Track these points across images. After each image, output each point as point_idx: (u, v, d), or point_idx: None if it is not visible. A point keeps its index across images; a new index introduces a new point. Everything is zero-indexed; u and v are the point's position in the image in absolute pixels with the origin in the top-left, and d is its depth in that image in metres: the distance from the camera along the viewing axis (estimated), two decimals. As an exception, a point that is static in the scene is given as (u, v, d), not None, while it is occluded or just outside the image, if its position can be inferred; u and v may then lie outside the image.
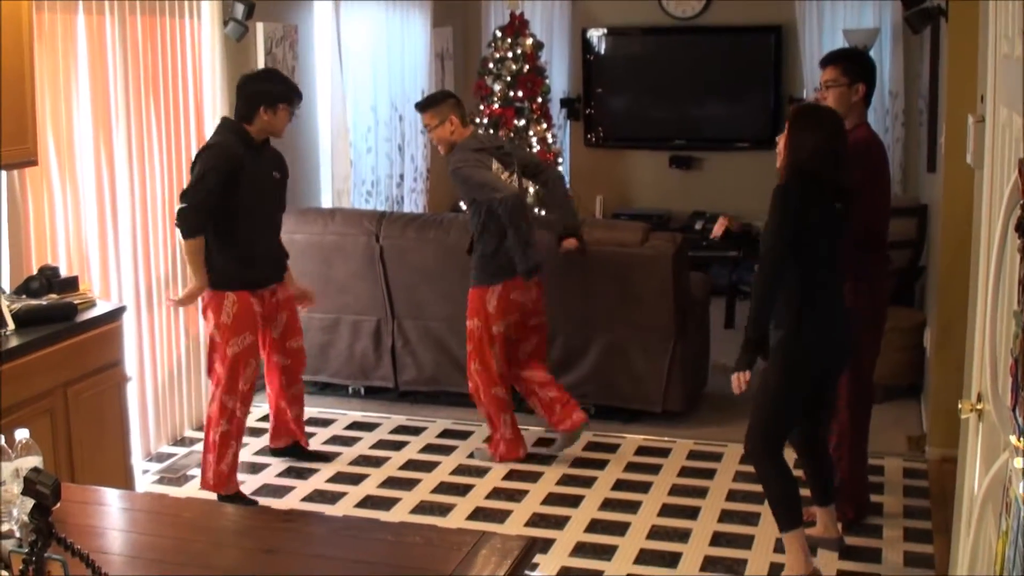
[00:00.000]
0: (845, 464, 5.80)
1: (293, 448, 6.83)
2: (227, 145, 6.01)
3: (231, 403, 6.13)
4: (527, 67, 10.20)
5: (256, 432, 7.26)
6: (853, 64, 5.75)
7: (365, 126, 9.66)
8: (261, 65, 7.91)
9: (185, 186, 6.03)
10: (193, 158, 6.15)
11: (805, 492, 5.35)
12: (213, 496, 6.15)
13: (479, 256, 6.60)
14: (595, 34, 11.57)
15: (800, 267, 4.91)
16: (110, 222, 6.47)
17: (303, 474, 6.63)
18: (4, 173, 5.55)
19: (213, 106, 7.27)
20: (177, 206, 6.06)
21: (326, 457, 6.88)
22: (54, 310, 5.29)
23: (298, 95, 6.25)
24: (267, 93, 6.09)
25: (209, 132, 7.20)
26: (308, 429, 7.24)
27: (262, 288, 6.21)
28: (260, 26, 7.88)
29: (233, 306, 6.04)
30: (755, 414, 5.14)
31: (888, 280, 5.94)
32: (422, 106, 6.83)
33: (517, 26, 10.30)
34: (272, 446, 6.80)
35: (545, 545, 5.63)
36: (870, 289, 5.63)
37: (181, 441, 7.15)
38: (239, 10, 7.30)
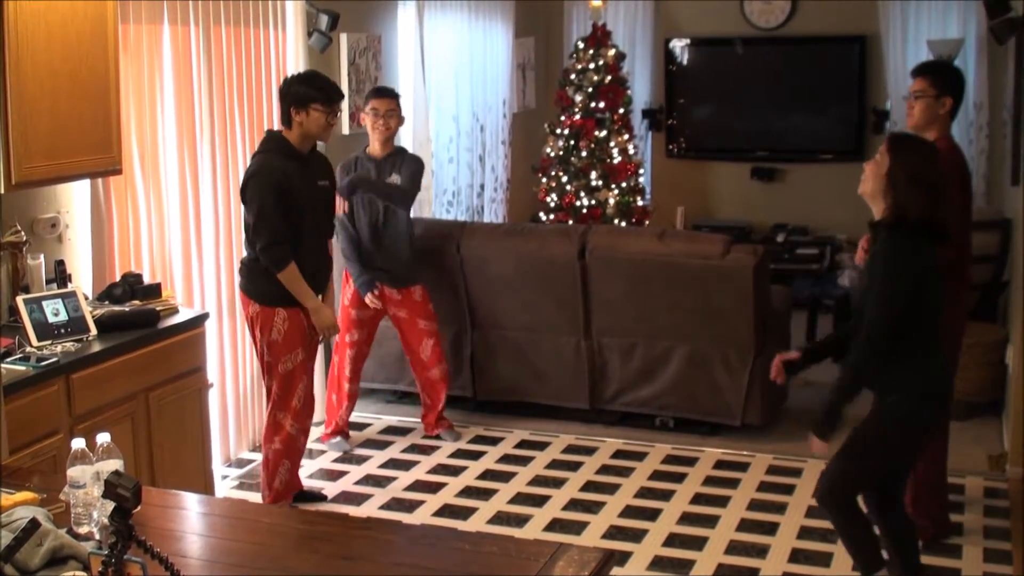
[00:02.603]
0: (920, 478, 5.73)
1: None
2: (269, 169, 5.79)
3: (283, 419, 6.01)
4: (609, 77, 10.19)
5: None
6: (942, 77, 5.68)
7: (447, 136, 9.69)
8: (344, 75, 7.96)
9: (250, 221, 5.83)
10: (242, 183, 5.92)
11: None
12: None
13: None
14: (678, 44, 11.53)
15: (916, 325, 4.54)
16: (193, 230, 6.53)
17: (381, 482, 6.65)
18: (89, 181, 5.63)
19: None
20: (258, 245, 5.82)
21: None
22: (136, 316, 5.35)
23: (329, 95, 5.88)
24: (295, 94, 5.83)
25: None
26: (387, 438, 7.31)
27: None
28: (344, 37, 7.93)
29: (284, 323, 5.87)
30: (843, 465, 4.74)
31: (968, 296, 5.82)
32: (394, 92, 7.13)
33: (599, 37, 10.29)
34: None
35: (622, 558, 5.60)
36: (950, 306, 5.54)
37: (260, 447, 7.19)
38: (323, 21, 7.35)
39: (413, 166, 7.06)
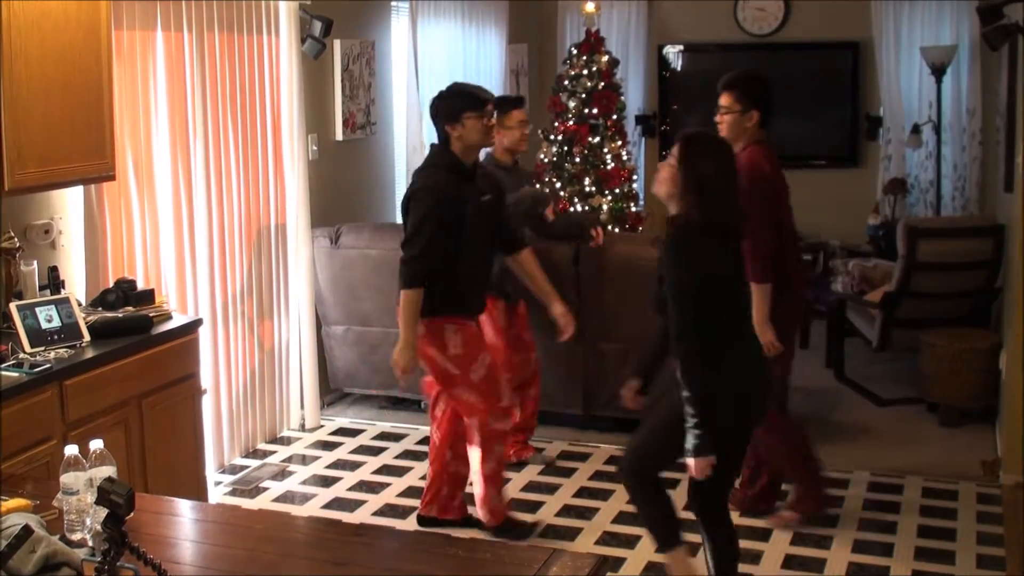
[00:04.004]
0: (799, 471, 6.05)
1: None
2: (437, 186, 5.54)
3: (500, 424, 5.75)
4: (602, 84, 10.17)
5: (329, 445, 7.31)
6: (748, 91, 5.81)
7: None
8: (338, 81, 7.98)
9: (405, 234, 5.56)
10: (405, 197, 5.63)
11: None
12: (283, 509, 6.19)
13: None
14: (671, 51, 11.55)
15: (711, 316, 4.53)
16: (187, 236, 6.52)
17: (375, 488, 6.64)
18: (82, 188, 5.63)
19: (290, 122, 7.31)
20: (402, 255, 5.55)
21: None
22: (130, 322, 5.35)
23: (477, 100, 5.64)
24: (445, 111, 5.62)
25: (286, 148, 7.28)
26: (382, 444, 7.31)
27: (476, 317, 5.82)
28: (337, 43, 7.93)
29: (456, 334, 5.61)
30: (648, 439, 4.82)
31: (799, 308, 5.84)
32: (522, 101, 6.91)
33: (593, 43, 10.28)
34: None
35: (615, 564, 5.60)
36: (781, 317, 5.61)
37: (254, 453, 7.20)
38: (317, 27, 7.35)
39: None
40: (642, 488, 4.89)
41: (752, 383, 4.69)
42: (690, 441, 4.47)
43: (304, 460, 7.12)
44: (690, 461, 4.49)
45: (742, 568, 5.59)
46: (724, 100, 5.84)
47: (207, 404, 6.34)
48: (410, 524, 6.14)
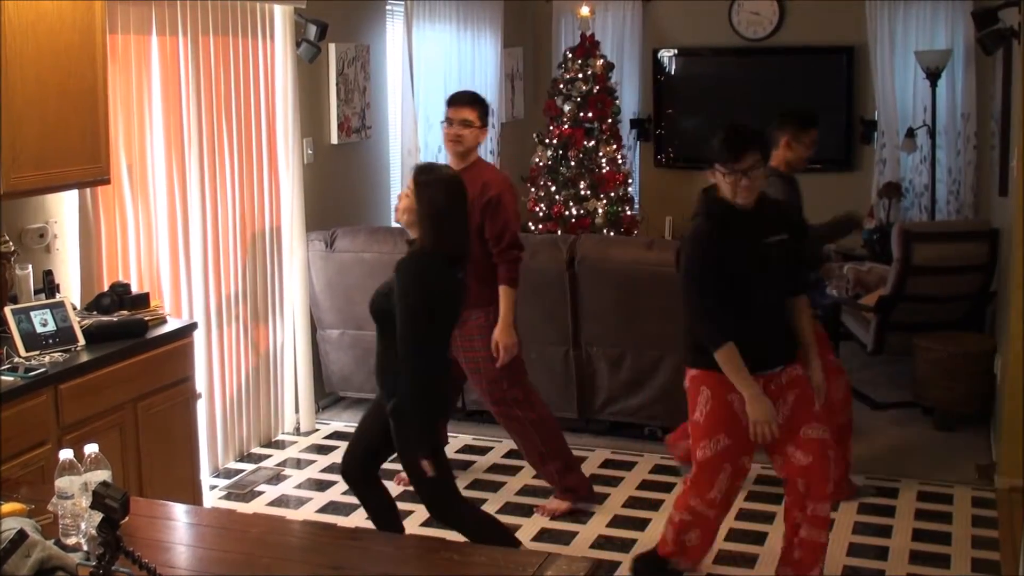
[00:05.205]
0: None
1: None
2: (700, 234, 5.04)
3: (699, 506, 5.13)
4: (597, 88, 10.19)
5: (324, 449, 7.30)
6: (484, 108, 6.18)
7: (436, 145, 9.68)
8: (333, 85, 7.98)
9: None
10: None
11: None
12: (275, 512, 6.19)
13: None
14: (666, 55, 11.55)
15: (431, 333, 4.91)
16: (181, 240, 6.52)
17: (370, 492, 6.64)
18: (77, 191, 5.63)
19: (285, 126, 7.31)
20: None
21: None
22: (124, 326, 5.34)
23: (722, 153, 4.89)
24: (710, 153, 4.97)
25: (281, 152, 7.31)
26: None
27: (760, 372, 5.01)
28: (332, 47, 7.93)
29: (708, 402, 5.02)
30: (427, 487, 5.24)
31: None
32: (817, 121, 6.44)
33: (588, 47, 10.30)
34: None
35: (611, 568, 5.58)
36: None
37: (249, 457, 7.19)
38: (312, 31, 7.35)
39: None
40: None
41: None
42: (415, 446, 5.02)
43: (299, 464, 7.12)
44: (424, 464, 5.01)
45: (738, 571, 5.61)
46: (468, 114, 6.11)
47: (202, 408, 6.33)
48: (406, 528, 6.12)
